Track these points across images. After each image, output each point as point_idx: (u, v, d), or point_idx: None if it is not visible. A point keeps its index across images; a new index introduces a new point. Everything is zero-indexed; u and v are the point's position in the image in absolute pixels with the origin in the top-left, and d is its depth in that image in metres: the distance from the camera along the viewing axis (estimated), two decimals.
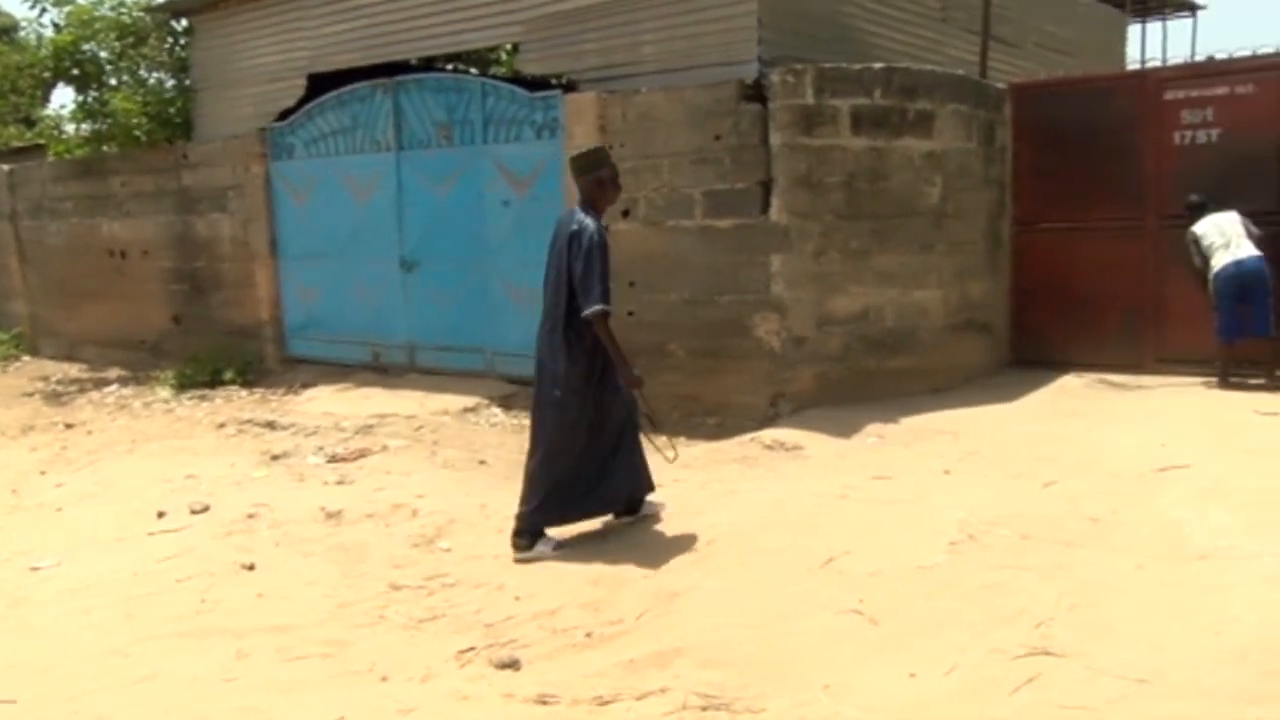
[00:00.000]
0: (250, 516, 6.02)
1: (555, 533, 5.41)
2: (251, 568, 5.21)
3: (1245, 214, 7.83)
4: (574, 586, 4.71)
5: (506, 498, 6.09)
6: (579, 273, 5.24)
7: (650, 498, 5.73)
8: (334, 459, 7.42)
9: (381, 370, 10.43)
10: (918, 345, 8.15)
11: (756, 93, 7.75)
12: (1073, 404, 7.77)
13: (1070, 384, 8.38)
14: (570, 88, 8.95)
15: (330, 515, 6.00)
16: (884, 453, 6.67)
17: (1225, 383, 7.87)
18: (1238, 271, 7.66)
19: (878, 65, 7.95)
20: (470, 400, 9.03)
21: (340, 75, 10.61)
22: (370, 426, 8.41)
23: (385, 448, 7.70)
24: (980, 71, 9.47)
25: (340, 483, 6.78)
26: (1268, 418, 6.84)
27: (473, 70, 12.22)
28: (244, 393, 10.55)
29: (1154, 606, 4.05)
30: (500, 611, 4.51)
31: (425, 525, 5.79)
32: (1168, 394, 7.85)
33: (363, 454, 7.53)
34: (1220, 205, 7.91)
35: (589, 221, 5.32)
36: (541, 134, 9.06)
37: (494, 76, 11.30)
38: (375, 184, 10.39)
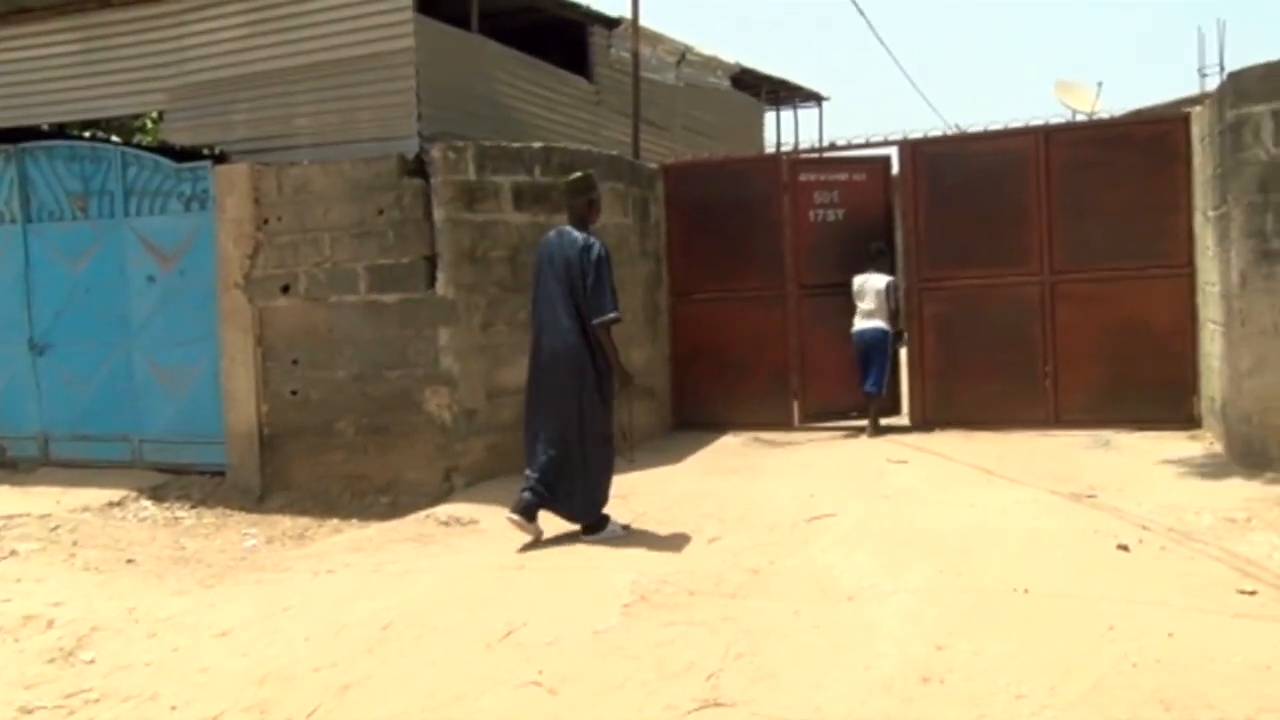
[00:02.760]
0: None
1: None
2: None
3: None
4: (236, 689, 4.39)
5: (158, 598, 5.62)
6: (590, 284, 5.81)
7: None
8: None
9: (9, 465, 9.37)
10: None
11: (418, 168, 7.76)
12: (732, 462, 8.23)
13: (729, 443, 8.89)
14: (222, 159, 8.57)
15: None
16: (560, 520, 6.74)
17: (876, 431, 8.86)
18: (859, 340, 8.82)
19: (537, 144, 8.21)
20: (116, 494, 8.28)
21: None
22: None
23: (14, 552, 6.87)
24: (634, 152, 9.99)
25: None
26: (899, 465, 7.57)
27: (114, 138, 11.44)
28: None
29: (811, 648, 4.32)
30: None
31: (63, 636, 5.19)
32: (814, 448, 8.51)
33: None
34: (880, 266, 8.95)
35: (593, 238, 5.94)
36: (191, 206, 8.59)
37: (138, 145, 10.63)
38: None
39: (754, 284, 9.40)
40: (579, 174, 6.27)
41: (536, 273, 6.19)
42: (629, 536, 6.05)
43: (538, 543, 5.97)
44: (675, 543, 5.99)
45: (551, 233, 6.24)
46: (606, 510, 6.14)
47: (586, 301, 5.84)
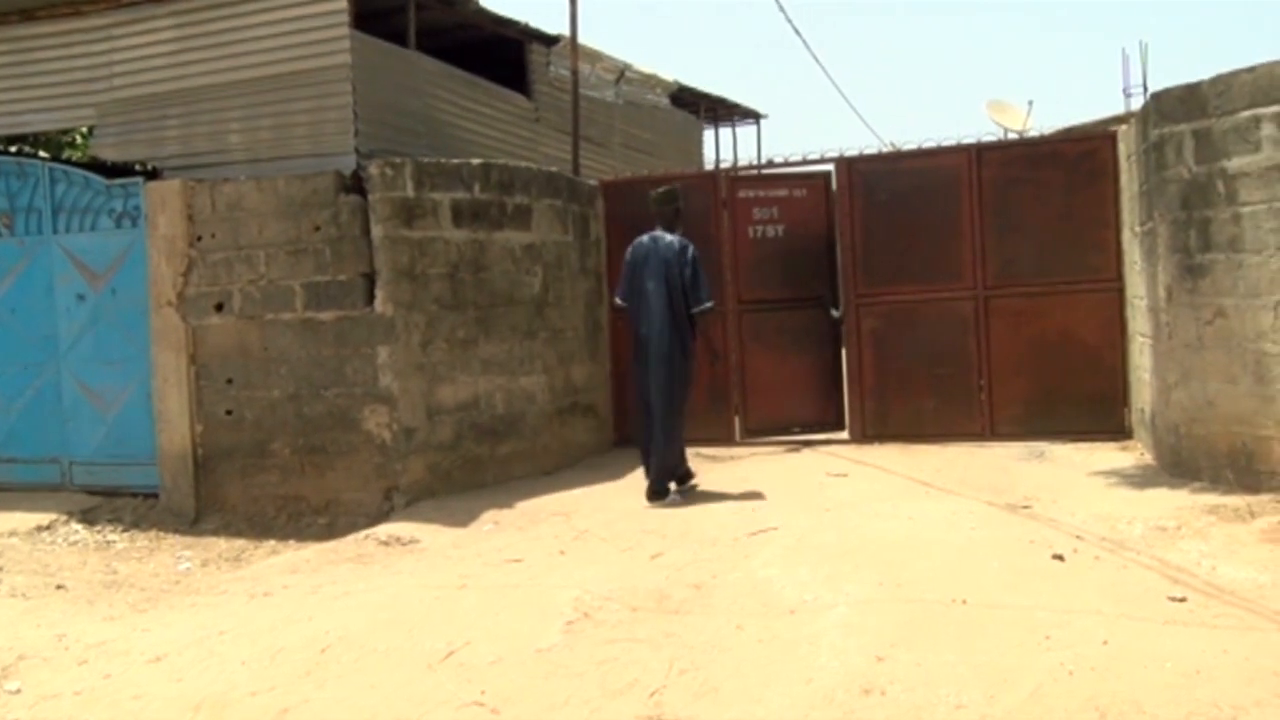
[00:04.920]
0: None
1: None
2: None
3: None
4: (170, 716, 4.29)
5: (89, 624, 5.49)
6: (689, 278, 7.04)
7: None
8: None
9: None
10: (527, 430, 8.33)
11: (356, 184, 7.69)
12: None
13: None
14: (154, 175, 8.43)
15: None
16: (501, 538, 6.70)
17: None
18: None
19: (476, 161, 8.18)
20: (44, 517, 8.07)
21: None
22: None
23: None
24: (573, 169, 10.00)
25: None
26: (838, 479, 7.63)
27: (41, 153, 11.20)
28: None
29: (753, 663, 4.33)
30: None
31: None
32: (755, 463, 8.54)
33: None
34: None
35: (686, 240, 7.19)
36: (122, 223, 8.43)
37: (67, 161, 10.41)
38: None
39: None
40: (666, 188, 7.56)
41: (632, 271, 7.24)
42: (687, 499, 7.16)
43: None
44: (618, 559, 5.98)
45: (645, 237, 7.34)
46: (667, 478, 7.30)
47: (686, 293, 7.02)
